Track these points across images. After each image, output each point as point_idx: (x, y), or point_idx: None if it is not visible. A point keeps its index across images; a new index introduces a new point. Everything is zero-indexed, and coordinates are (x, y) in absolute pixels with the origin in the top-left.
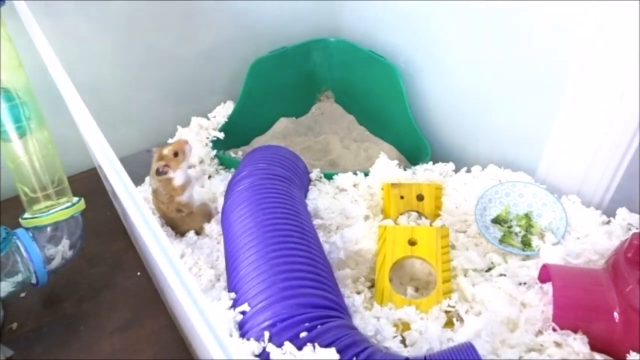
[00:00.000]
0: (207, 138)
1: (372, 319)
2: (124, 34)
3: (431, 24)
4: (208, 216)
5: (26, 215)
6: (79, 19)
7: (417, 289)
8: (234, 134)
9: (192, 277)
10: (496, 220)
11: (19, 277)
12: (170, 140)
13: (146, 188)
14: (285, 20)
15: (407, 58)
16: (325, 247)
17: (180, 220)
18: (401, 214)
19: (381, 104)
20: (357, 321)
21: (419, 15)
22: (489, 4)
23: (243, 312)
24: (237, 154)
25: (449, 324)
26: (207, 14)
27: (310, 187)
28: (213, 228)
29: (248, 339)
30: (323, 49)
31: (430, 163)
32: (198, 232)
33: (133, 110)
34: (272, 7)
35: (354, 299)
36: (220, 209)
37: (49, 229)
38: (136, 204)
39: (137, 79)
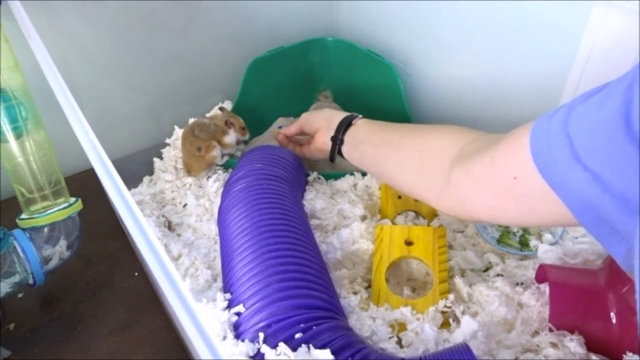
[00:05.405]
0: None
1: (368, 320)
2: (121, 34)
3: (429, 23)
4: (209, 165)
5: (23, 215)
6: (76, 19)
7: (414, 290)
8: None
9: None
10: None
11: (16, 278)
12: (167, 140)
13: (142, 190)
14: (282, 20)
15: (405, 57)
16: (322, 247)
17: (193, 157)
18: (399, 213)
19: (379, 103)
20: (352, 322)
21: (417, 14)
22: (488, 3)
23: (238, 313)
24: (236, 153)
25: (445, 324)
26: (205, 14)
27: (307, 187)
28: (211, 228)
29: (243, 340)
30: (321, 49)
31: None
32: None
33: (131, 111)
34: (269, 6)
35: (350, 300)
36: (217, 209)
37: (46, 229)
38: (127, 205)
39: (134, 79)
